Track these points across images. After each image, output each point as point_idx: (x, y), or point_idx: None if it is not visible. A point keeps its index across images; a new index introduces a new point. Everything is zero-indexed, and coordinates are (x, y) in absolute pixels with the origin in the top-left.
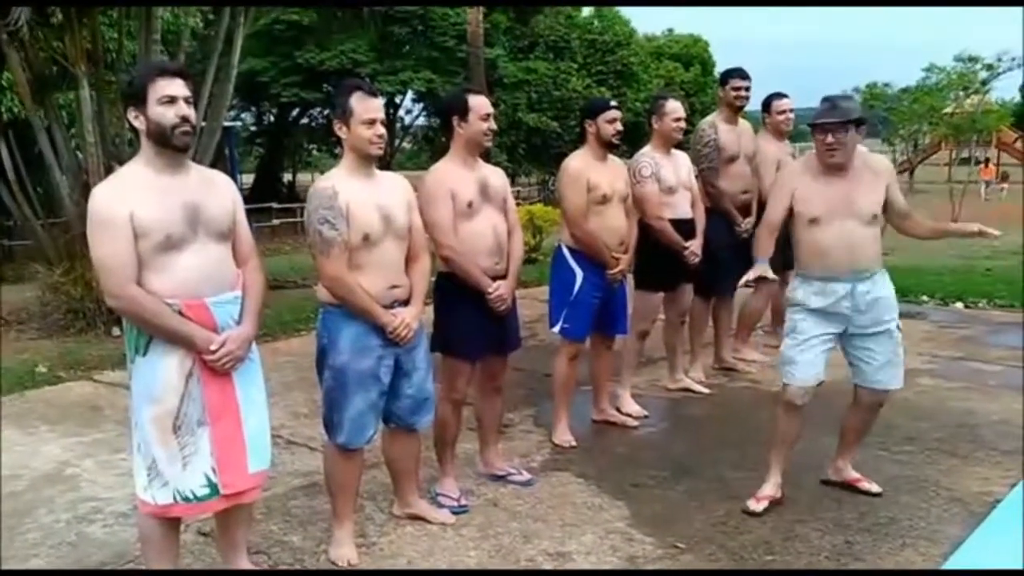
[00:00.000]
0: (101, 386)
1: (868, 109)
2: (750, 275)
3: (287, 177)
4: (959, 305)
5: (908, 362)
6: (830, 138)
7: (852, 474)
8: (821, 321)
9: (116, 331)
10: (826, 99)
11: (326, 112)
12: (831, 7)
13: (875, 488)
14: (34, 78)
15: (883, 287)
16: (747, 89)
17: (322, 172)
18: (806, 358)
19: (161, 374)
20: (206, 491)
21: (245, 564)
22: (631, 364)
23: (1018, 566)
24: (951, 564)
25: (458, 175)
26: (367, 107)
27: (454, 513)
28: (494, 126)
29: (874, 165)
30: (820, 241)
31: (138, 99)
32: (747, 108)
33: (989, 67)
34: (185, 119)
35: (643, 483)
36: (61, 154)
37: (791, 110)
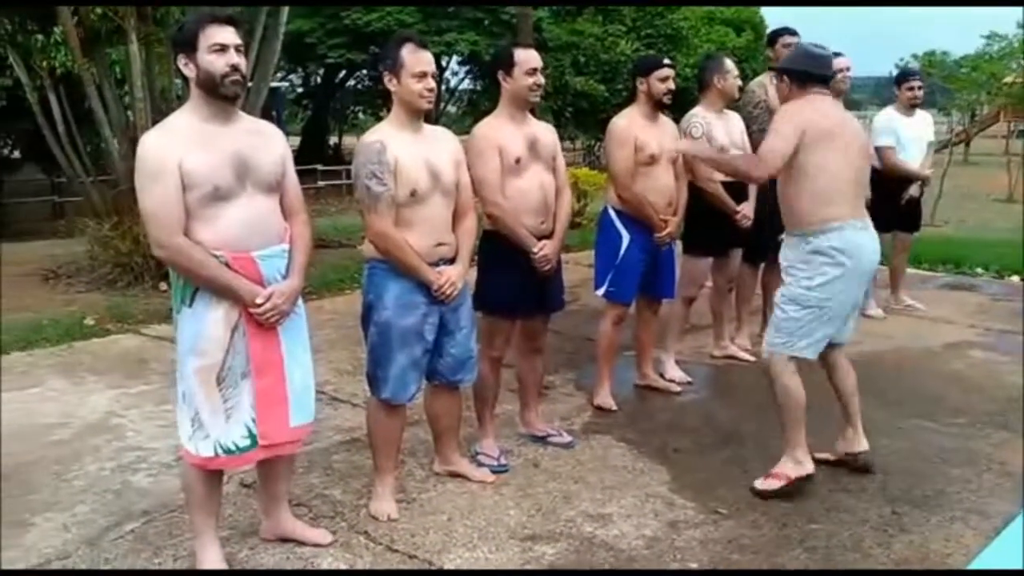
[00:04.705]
0: (148, 339)
1: (927, 77)
2: None
3: (333, 139)
4: (1015, 279)
5: (959, 334)
6: None
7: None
8: None
9: (163, 286)
10: None
11: (372, 74)
12: None
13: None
14: (85, 33)
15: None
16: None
17: None
18: None
19: (207, 326)
20: (247, 442)
21: (286, 515)
22: (676, 330)
23: None
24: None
25: (506, 131)
26: (418, 59)
27: (494, 472)
28: (541, 80)
29: None
30: None
31: (188, 46)
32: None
33: None
34: (235, 68)
35: (685, 448)
36: (110, 110)
37: (847, 69)
